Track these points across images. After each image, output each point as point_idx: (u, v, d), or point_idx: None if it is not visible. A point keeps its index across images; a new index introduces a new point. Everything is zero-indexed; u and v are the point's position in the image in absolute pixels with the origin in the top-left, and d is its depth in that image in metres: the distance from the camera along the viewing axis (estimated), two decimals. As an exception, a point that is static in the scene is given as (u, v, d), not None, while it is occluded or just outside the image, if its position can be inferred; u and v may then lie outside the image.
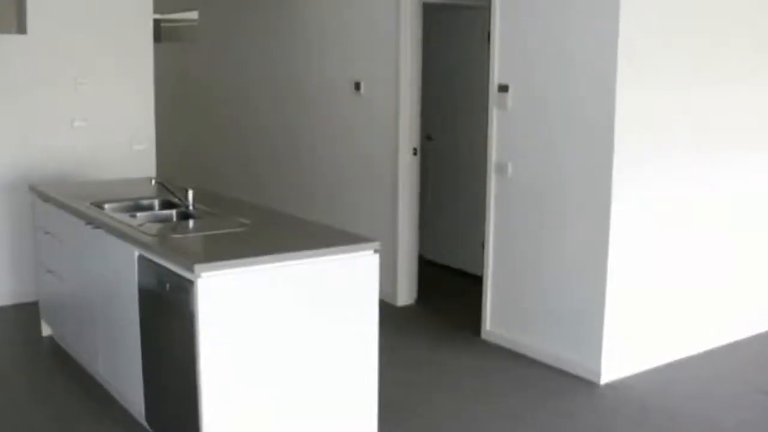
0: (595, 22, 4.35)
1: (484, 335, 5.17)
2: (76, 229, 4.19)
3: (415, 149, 5.82)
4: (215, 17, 8.08)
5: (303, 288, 3.29)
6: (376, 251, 3.45)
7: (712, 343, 5.02)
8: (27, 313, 5.40)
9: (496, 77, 4.94)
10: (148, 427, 3.67)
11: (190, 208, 4.17)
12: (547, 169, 4.67)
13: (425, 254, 6.64)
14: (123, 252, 3.65)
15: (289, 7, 6.82)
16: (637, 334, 4.62)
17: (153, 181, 4.55)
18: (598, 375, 4.47)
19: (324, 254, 3.34)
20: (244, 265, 3.14)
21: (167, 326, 3.34)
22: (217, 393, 3.12)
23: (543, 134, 4.69)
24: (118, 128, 5.97)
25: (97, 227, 3.94)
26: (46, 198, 4.67)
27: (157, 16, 7.62)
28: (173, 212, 4.24)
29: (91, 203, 4.26)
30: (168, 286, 3.27)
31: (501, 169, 4.96)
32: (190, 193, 4.20)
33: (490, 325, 5.14)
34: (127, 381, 3.82)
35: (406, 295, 5.92)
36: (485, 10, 5.14)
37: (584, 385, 4.46)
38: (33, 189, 4.93)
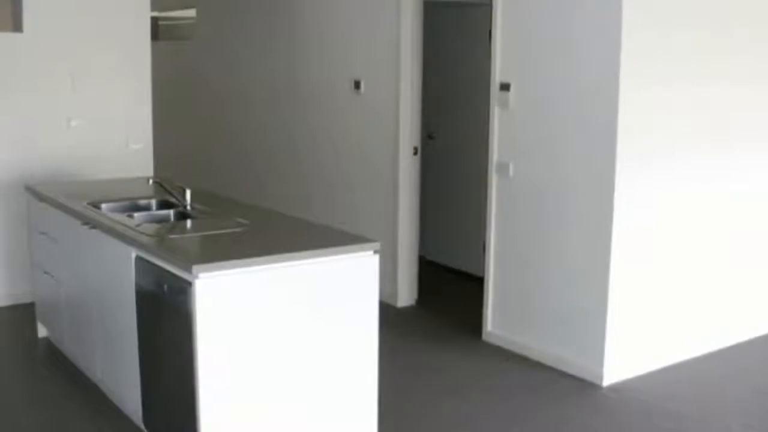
0: (598, 19, 4.34)
1: (485, 337, 5.17)
2: (73, 229, 4.19)
3: (415, 148, 5.82)
4: (213, 15, 8.08)
5: (302, 289, 3.28)
6: (376, 252, 3.44)
7: (716, 344, 5.02)
8: (23, 314, 5.40)
9: (497, 75, 4.94)
10: (145, 430, 3.67)
11: (188, 208, 4.17)
12: (550, 168, 4.67)
13: (426, 255, 6.64)
14: (120, 253, 3.65)
15: (288, 4, 6.82)
16: (640, 336, 4.62)
17: (150, 181, 4.55)
18: (601, 377, 4.47)
19: (323, 255, 3.34)
20: (243, 266, 3.14)
21: (165, 328, 3.34)
22: (215, 396, 3.12)
23: (545, 133, 4.69)
24: (115, 127, 5.97)
25: (94, 227, 3.94)
26: (42, 198, 4.67)
27: (155, 14, 7.62)
28: (171, 212, 4.24)
29: (88, 203, 4.26)
30: (166, 287, 3.27)
31: (502, 168, 4.96)
32: (188, 193, 4.20)
33: (492, 326, 5.14)
34: (124, 383, 3.81)
35: (406, 296, 5.92)
36: (487, 7, 5.14)
37: (586, 388, 4.46)
38: (29, 189, 4.92)
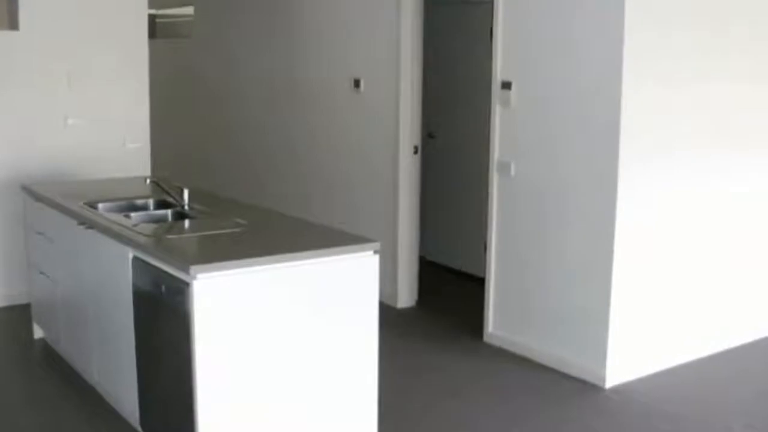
0: (601, 17, 4.34)
1: (486, 338, 5.17)
2: (69, 229, 4.19)
3: (416, 147, 5.81)
4: (211, 12, 8.08)
5: (301, 290, 3.28)
6: (375, 252, 3.44)
7: (720, 346, 5.01)
8: (19, 315, 5.40)
9: (498, 74, 4.93)
10: (142, 432, 3.67)
11: (186, 207, 4.17)
12: (551, 167, 4.67)
13: (426, 255, 6.64)
14: (117, 253, 3.65)
15: (287, 1, 6.81)
16: (643, 337, 4.62)
17: (148, 181, 4.55)
18: (603, 379, 4.47)
19: (323, 255, 3.34)
20: (241, 266, 3.14)
21: (162, 329, 3.34)
22: (213, 397, 3.12)
23: (547, 132, 4.69)
24: (112, 126, 5.97)
25: (91, 227, 3.93)
26: (38, 197, 4.67)
27: (152, 12, 7.61)
28: (168, 212, 4.24)
29: (84, 203, 4.26)
30: (163, 288, 3.27)
31: (504, 167, 4.96)
32: (186, 193, 4.20)
33: (493, 327, 5.14)
34: (121, 385, 3.81)
35: (406, 296, 5.92)
36: (488, 5, 5.14)
37: (588, 389, 4.46)
38: (25, 188, 4.92)
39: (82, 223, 4.03)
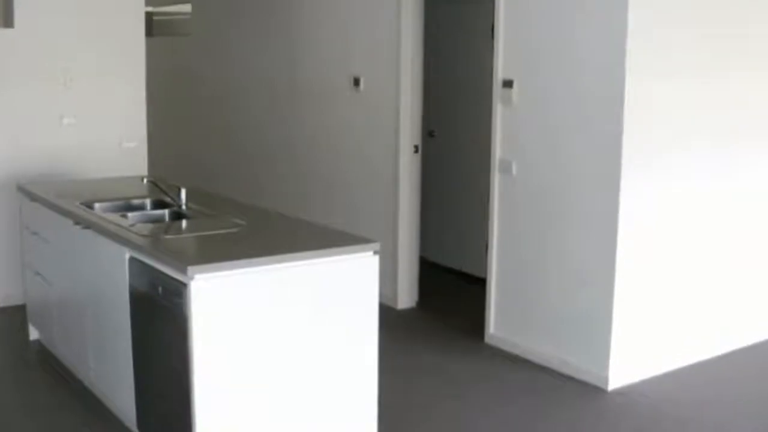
0: (603, 13, 4.34)
1: (487, 339, 5.17)
2: (65, 229, 4.18)
3: (416, 146, 5.81)
4: (209, 10, 8.08)
5: (300, 291, 3.28)
6: (375, 252, 3.44)
7: (725, 347, 5.01)
8: (14, 316, 5.39)
9: (500, 72, 4.93)
10: (139, 435, 3.67)
11: (183, 207, 4.16)
12: (554, 167, 4.67)
13: (427, 256, 6.63)
14: (113, 253, 3.64)
15: (286, -1, 6.82)
16: (647, 338, 4.61)
17: (145, 180, 4.55)
18: (606, 381, 4.47)
19: (322, 256, 3.34)
20: (239, 267, 3.14)
21: (159, 330, 3.34)
22: (211, 400, 3.12)
23: (549, 131, 4.69)
24: (108, 125, 5.97)
25: (87, 228, 3.93)
26: (33, 197, 4.67)
27: (149, 9, 7.61)
28: (165, 212, 4.24)
29: (81, 203, 4.26)
30: (160, 288, 3.27)
31: (505, 167, 4.96)
32: (183, 193, 4.20)
33: (494, 328, 5.14)
34: (118, 387, 3.81)
35: (406, 298, 5.92)
36: (489, 2, 5.14)
37: (591, 392, 4.46)
38: (20, 188, 4.92)
39: (78, 223, 4.03)
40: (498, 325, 5.11)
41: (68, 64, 5.77)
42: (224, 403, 3.15)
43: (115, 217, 3.97)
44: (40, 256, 4.71)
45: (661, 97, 4.43)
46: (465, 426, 4.07)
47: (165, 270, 3.23)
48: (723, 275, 4.98)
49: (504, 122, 4.95)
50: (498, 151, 5.00)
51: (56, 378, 4.53)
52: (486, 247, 5.22)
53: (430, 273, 6.50)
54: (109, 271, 3.74)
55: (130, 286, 3.54)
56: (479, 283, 5.63)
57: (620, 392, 4.45)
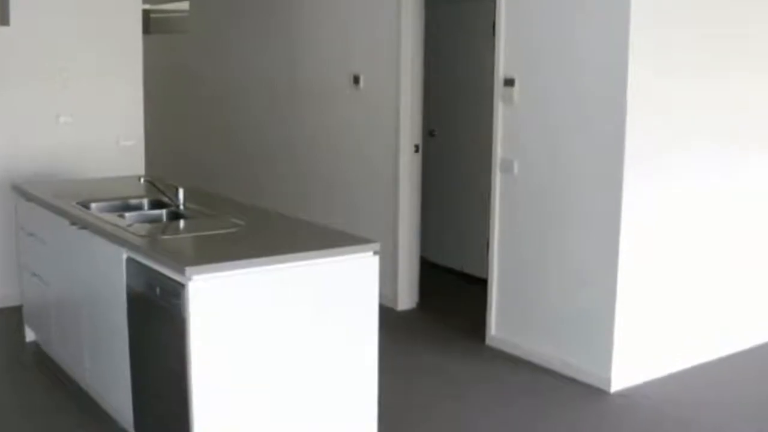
0: (605, 11, 4.34)
1: (488, 341, 5.17)
2: (62, 229, 4.18)
3: (416, 146, 5.82)
4: (207, 7, 8.08)
5: (299, 291, 3.28)
6: (375, 253, 3.44)
7: (728, 349, 5.02)
8: (10, 317, 5.39)
9: (501, 70, 4.94)
10: (137, 438, 3.67)
11: (181, 207, 4.17)
12: (555, 166, 4.67)
13: (427, 256, 6.64)
14: (110, 254, 3.65)
15: (285, -3, 6.82)
16: (649, 340, 4.62)
17: (142, 180, 4.55)
18: (608, 382, 4.47)
19: (321, 256, 3.34)
20: (238, 267, 3.14)
21: (157, 332, 3.34)
22: (209, 402, 3.12)
23: (551, 130, 4.69)
24: (105, 124, 5.97)
25: (84, 228, 3.93)
26: (29, 197, 4.67)
27: (146, 7, 7.62)
28: (163, 212, 4.24)
29: (77, 203, 4.26)
30: (158, 289, 3.27)
31: (506, 166, 4.96)
32: (181, 192, 4.20)
33: (495, 330, 5.14)
34: (114, 389, 3.81)
35: (407, 299, 5.92)
36: (490, 1, 5.14)
37: (593, 393, 4.46)
38: (16, 188, 4.92)
39: (74, 224, 4.03)
40: (499, 325, 5.11)
41: (64, 63, 5.76)
42: (223, 405, 3.15)
43: (112, 217, 3.97)
44: (37, 257, 4.71)
45: (663, 97, 4.43)
46: (465, 427, 4.07)
47: (162, 270, 3.23)
48: (725, 276, 4.98)
49: (505, 121, 4.95)
50: (499, 151, 5.00)
51: (53, 380, 4.53)
52: (487, 247, 5.22)
53: (431, 273, 6.50)
54: (106, 272, 3.74)
55: (128, 286, 3.54)
56: (480, 284, 5.63)
57: (622, 394, 4.45)
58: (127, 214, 4.10)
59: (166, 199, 4.28)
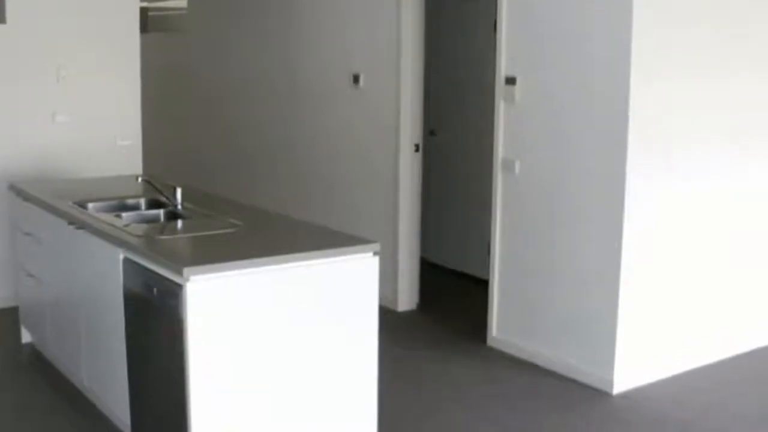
0: (608, 9, 4.34)
1: (490, 342, 5.17)
2: (58, 229, 4.18)
3: (417, 145, 5.81)
4: (206, 6, 8.07)
5: (298, 292, 3.28)
6: (375, 253, 3.44)
7: (731, 351, 5.01)
8: (6, 318, 5.39)
9: (503, 69, 4.93)
10: (134, 440, 3.67)
11: (179, 207, 4.16)
12: (557, 166, 4.67)
13: (428, 257, 6.64)
14: (107, 254, 3.64)
15: (284, -6, 6.82)
16: (653, 342, 4.61)
17: (139, 179, 4.55)
18: (611, 384, 4.47)
19: (321, 257, 3.34)
20: (236, 268, 3.14)
21: (154, 333, 3.34)
22: (207, 404, 3.12)
23: (553, 129, 4.69)
24: (102, 123, 5.97)
25: (80, 228, 3.93)
26: (26, 197, 4.67)
27: (144, 5, 7.62)
28: (161, 212, 4.24)
29: (74, 202, 4.26)
30: (155, 290, 3.27)
31: (508, 166, 4.95)
32: (179, 192, 4.20)
33: (497, 331, 5.14)
34: (111, 391, 3.81)
35: (407, 300, 5.92)
36: (491, -2, 5.14)
37: (596, 396, 4.46)
38: (12, 187, 4.92)
39: (71, 224, 4.03)
40: (500, 327, 5.11)
41: (61, 61, 5.76)
42: (221, 407, 3.15)
43: (109, 217, 3.97)
44: (33, 257, 4.71)
45: (667, 96, 4.43)
46: (466, 430, 4.07)
47: (160, 271, 3.23)
48: (729, 278, 4.98)
49: (507, 120, 4.95)
50: (500, 150, 5.00)
51: (49, 381, 4.53)
52: (488, 248, 5.22)
53: (431, 274, 6.50)
54: (103, 273, 3.74)
55: (125, 287, 3.54)
56: (481, 285, 5.63)
57: (625, 396, 4.45)
58: (124, 214, 4.10)
59: (163, 199, 4.28)
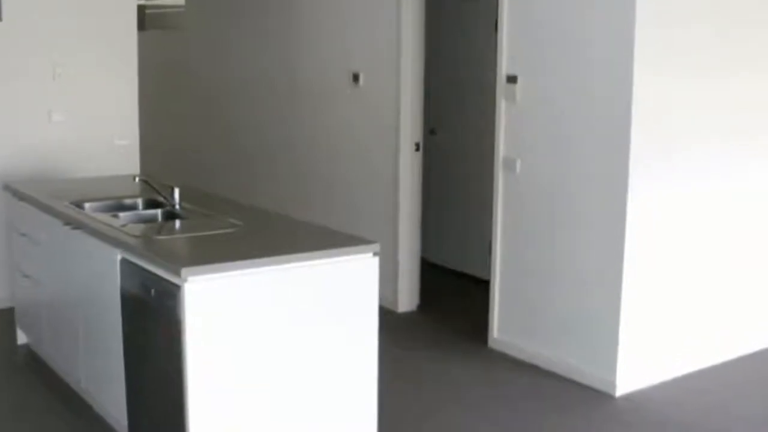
0: (610, 8, 4.34)
1: (491, 343, 5.17)
2: (54, 230, 4.18)
3: (417, 144, 5.81)
4: (204, 3, 8.07)
5: (298, 293, 3.28)
6: (375, 254, 3.44)
7: (734, 352, 5.01)
8: (1, 319, 5.39)
9: (504, 67, 4.93)
10: (131, 442, 3.67)
11: (177, 207, 4.16)
12: (559, 165, 4.67)
13: (428, 257, 6.64)
14: (104, 255, 3.64)
15: (283, -8, 6.82)
16: (655, 343, 4.61)
17: (137, 179, 4.55)
18: (613, 386, 4.46)
19: (320, 257, 3.33)
20: (235, 268, 3.13)
21: (152, 334, 3.34)
22: (205, 406, 3.11)
23: (554, 128, 4.69)
24: (99, 122, 5.96)
25: (77, 228, 3.93)
26: (21, 197, 4.66)
27: (142, 2, 7.61)
28: (158, 212, 4.24)
29: (70, 202, 4.26)
30: (153, 291, 3.27)
31: (509, 165, 4.95)
32: (177, 192, 4.19)
33: (498, 332, 5.13)
34: (109, 393, 3.81)
35: (407, 300, 5.92)
36: (492, -4, 5.14)
37: (598, 397, 4.45)
38: (8, 187, 4.92)
39: (68, 224, 4.02)
40: (502, 328, 5.11)
41: (58, 59, 5.76)
42: (219, 409, 3.14)
43: (106, 218, 3.97)
44: (29, 258, 4.70)
45: (669, 95, 4.43)
46: (466, 430, 4.08)
47: (158, 272, 3.23)
48: (731, 279, 4.98)
49: (508, 119, 4.95)
50: (501, 149, 4.99)
51: (44, 382, 4.53)
52: (489, 248, 5.22)
53: (432, 275, 6.50)
54: (99, 273, 3.73)
55: (122, 288, 3.54)
56: (482, 285, 5.62)
57: (628, 398, 4.45)
58: (121, 214, 4.09)
59: (161, 199, 4.28)
